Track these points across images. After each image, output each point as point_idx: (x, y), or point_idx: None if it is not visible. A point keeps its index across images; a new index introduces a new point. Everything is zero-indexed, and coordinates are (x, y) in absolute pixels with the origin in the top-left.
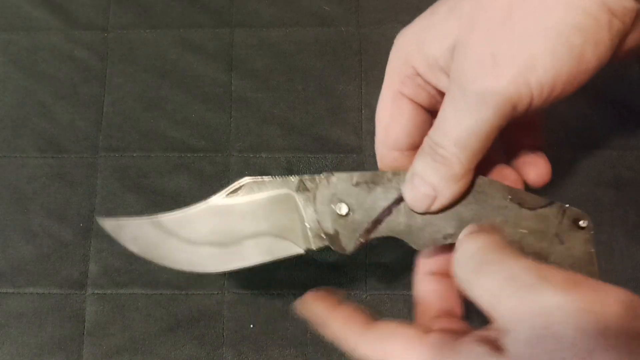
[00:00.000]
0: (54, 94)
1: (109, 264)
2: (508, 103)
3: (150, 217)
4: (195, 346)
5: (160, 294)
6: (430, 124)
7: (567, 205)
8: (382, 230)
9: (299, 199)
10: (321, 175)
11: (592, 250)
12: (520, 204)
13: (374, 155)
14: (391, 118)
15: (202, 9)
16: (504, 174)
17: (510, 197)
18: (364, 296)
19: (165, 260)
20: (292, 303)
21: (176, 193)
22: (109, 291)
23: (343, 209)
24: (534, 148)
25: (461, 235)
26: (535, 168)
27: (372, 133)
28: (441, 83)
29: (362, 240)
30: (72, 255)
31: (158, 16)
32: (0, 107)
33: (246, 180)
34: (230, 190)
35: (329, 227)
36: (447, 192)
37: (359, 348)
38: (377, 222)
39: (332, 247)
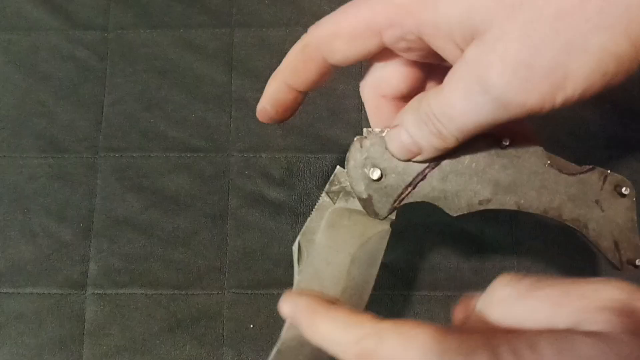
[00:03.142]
0: (54, 94)
1: (109, 264)
2: (527, 112)
3: None
4: (195, 346)
5: (160, 294)
6: (420, 77)
7: (609, 172)
8: (416, 195)
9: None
10: (355, 138)
11: (634, 217)
12: (560, 170)
13: None
14: (385, 66)
15: (202, 9)
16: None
17: (549, 162)
18: None
19: None
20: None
21: (176, 193)
22: (108, 291)
23: (376, 174)
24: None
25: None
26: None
27: None
28: (445, 52)
29: (395, 205)
30: (72, 255)
31: (158, 16)
32: (0, 107)
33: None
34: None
35: (362, 191)
36: (432, 153)
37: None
38: (411, 186)
39: (366, 212)
